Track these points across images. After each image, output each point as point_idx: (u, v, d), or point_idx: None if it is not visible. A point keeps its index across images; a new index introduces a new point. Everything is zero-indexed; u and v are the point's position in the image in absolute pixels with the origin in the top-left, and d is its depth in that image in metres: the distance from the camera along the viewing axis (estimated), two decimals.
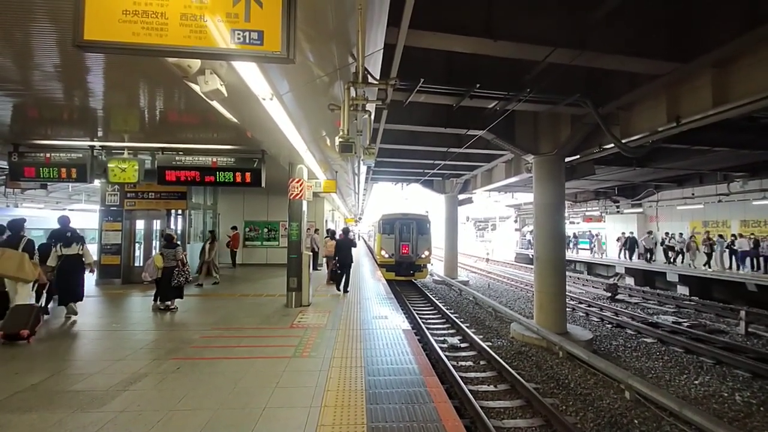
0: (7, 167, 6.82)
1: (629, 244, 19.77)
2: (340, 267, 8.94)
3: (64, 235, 6.14)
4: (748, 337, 9.61)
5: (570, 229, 25.21)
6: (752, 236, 14.41)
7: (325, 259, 11.45)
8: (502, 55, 5.77)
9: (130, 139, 6.60)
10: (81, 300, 6.38)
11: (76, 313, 6.15)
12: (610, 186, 19.48)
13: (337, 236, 9.89)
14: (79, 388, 3.65)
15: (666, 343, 9.06)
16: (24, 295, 5.20)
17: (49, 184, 12.69)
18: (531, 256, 17.85)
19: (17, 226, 5.43)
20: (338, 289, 8.96)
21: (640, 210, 20.38)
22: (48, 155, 6.59)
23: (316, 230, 13.55)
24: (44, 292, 6.12)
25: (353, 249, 9.52)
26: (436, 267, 21.63)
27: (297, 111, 4.77)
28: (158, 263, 6.69)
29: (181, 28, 1.79)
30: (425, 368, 4.40)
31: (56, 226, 6.30)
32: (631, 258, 19.64)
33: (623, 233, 20.54)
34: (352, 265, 9.26)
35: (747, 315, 10.16)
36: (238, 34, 1.83)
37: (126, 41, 1.77)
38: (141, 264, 9.51)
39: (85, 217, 19.11)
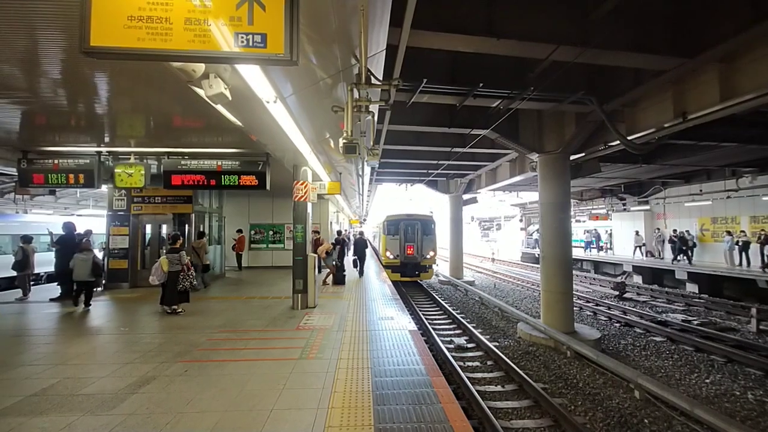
0: (17, 174, 6.93)
1: (743, 245, 14.18)
2: (358, 258, 12.78)
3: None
4: (760, 335, 9.46)
5: (581, 228, 24.83)
6: None
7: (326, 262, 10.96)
8: (505, 54, 5.75)
9: (136, 144, 6.68)
10: None
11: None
12: (616, 184, 19.28)
13: (353, 237, 13.76)
14: (89, 391, 3.69)
15: (676, 342, 8.94)
16: None
17: (57, 190, 12.88)
18: (537, 256, 17.58)
19: None
20: (359, 275, 12.45)
21: (647, 207, 20.13)
22: (56, 161, 6.69)
23: (319, 234, 12.61)
24: None
25: (366, 248, 13.49)
26: (442, 267, 21.56)
27: (301, 113, 4.79)
28: (164, 267, 6.75)
29: (186, 33, 1.81)
30: (432, 369, 4.39)
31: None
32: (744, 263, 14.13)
33: (729, 233, 14.79)
34: (365, 258, 13.34)
35: (758, 312, 9.98)
36: (242, 37, 1.85)
37: (131, 47, 1.80)
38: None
39: (91, 223, 19.24)
